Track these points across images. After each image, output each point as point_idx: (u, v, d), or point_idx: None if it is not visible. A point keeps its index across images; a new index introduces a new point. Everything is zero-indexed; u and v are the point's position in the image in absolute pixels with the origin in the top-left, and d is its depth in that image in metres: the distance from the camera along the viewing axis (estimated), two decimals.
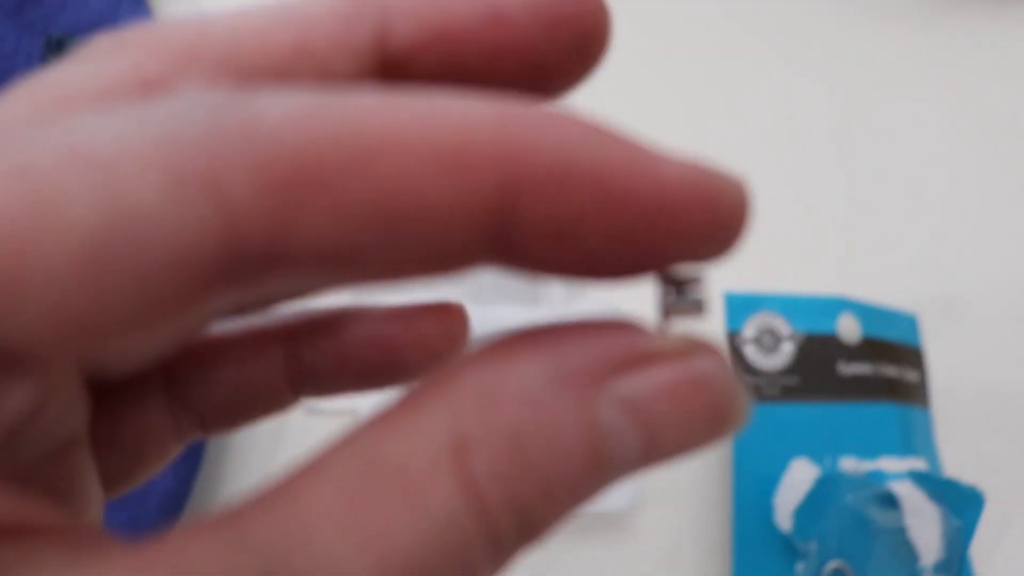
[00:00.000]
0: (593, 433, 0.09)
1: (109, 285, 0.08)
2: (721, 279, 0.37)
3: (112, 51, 0.10)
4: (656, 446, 0.10)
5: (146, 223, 0.08)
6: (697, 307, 0.11)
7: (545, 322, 0.10)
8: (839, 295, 0.35)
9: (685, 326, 0.11)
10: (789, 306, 0.34)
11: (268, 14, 0.11)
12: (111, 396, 0.13)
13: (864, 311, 0.35)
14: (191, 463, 0.31)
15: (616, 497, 0.32)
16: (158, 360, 0.12)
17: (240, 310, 0.13)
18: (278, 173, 0.08)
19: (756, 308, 0.34)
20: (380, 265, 0.09)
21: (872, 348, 0.35)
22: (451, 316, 0.14)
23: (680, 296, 0.11)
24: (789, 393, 0.34)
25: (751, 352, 0.34)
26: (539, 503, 0.09)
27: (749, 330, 0.34)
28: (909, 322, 0.37)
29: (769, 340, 0.34)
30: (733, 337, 0.34)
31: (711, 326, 0.36)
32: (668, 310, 0.11)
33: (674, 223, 0.09)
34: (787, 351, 0.34)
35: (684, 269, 0.10)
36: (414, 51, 0.11)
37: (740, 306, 0.34)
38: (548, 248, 0.09)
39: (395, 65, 0.11)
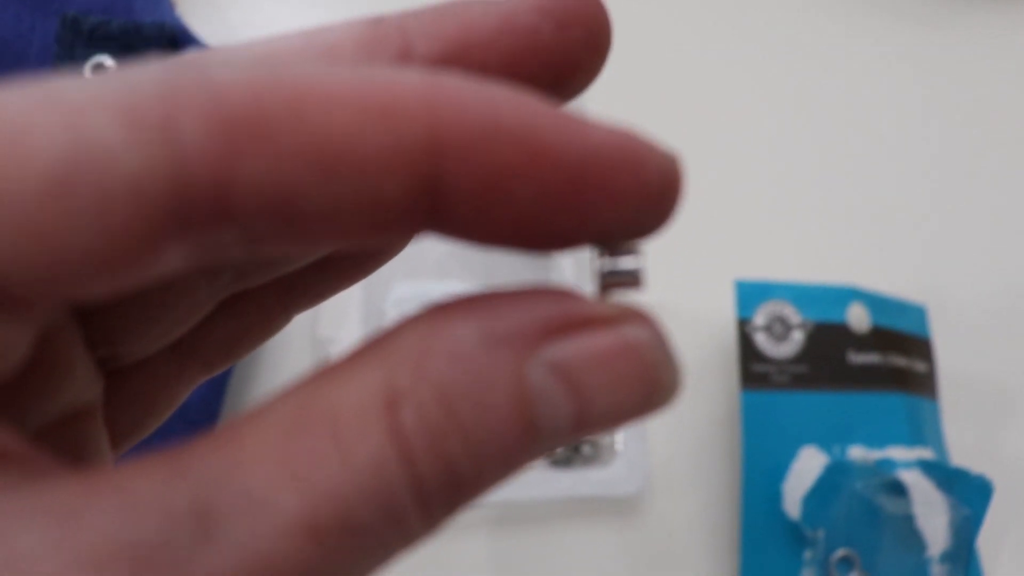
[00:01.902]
0: (523, 394, 0.09)
1: (70, 210, 0.08)
2: (733, 267, 0.37)
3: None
4: (587, 412, 0.10)
5: (104, 157, 0.08)
6: (633, 278, 0.11)
7: (485, 289, 0.10)
8: (849, 285, 0.35)
9: (622, 297, 0.11)
10: (799, 295, 0.35)
11: (294, 43, 0.11)
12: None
13: (874, 301, 0.35)
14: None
15: (626, 482, 0.32)
16: (169, 327, 0.12)
17: (238, 277, 0.13)
18: (222, 120, 0.09)
19: (767, 296, 0.34)
20: (318, 216, 0.09)
21: (881, 338, 0.35)
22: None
23: (616, 268, 0.11)
24: (799, 381, 0.34)
25: (761, 340, 0.34)
26: (466, 459, 0.09)
27: (760, 318, 0.34)
28: (918, 313, 0.37)
29: (779, 328, 0.34)
30: (744, 324, 0.34)
31: (724, 313, 0.36)
32: (605, 281, 0.11)
33: (600, 184, 0.10)
34: (797, 339, 0.34)
35: (617, 244, 0.11)
36: (437, 67, 0.11)
37: (751, 294, 0.34)
38: (478, 210, 0.10)
39: None
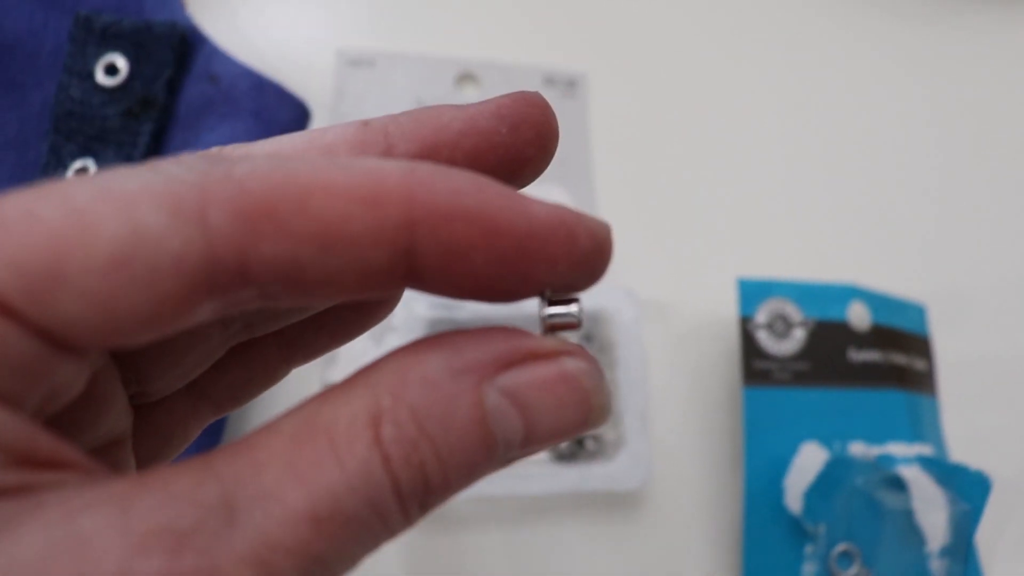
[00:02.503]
0: (480, 412, 0.12)
1: (127, 281, 0.11)
2: (735, 265, 0.38)
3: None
4: (534, 428, 0.12)
5: (154, 241, 0.11)
6: (572, 321, 0.13)
7: (452, 328, 0.13)
8: (850, 283, 0.36)
9: (562, 337, 0.13)
10: (801, 293, 0.35)
11: (298, 143, 0.14)
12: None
13: (874, 299, 0.36)
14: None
15: (630, 477, 0.32)
16: (188, 369, 0.15)
17: (246, 327, 0.16)
18: (243, 210, 0.11)
19: (769, 294, 0.35)
20: (320, 281, 0.12)
21: (881, 336, 0.35)
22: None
23: (557, 313, 0.13)
24: (800, 378, 0.34)
25: (763, 337, 0.34)
26: (435, 465, 0.12)
27: (761, 315, 0.34)
28: (918, 312, 0.37)
29: (781, 326, 0.35)
30: (746, 322, 0.34)
31: (727, 310, 0.37)
32: (547, 323, 0.13)
33: (541, 251, 0.12)
34: (798, 337, 0.35)
35: (561, 292, 0.13)
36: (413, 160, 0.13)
37: (753, 292, 0.35)
38: (445, 271, 0.12)
39: None
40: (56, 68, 0.35)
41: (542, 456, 0.34)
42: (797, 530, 0.33)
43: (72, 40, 0.34)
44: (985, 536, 0.34)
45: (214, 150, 0.14)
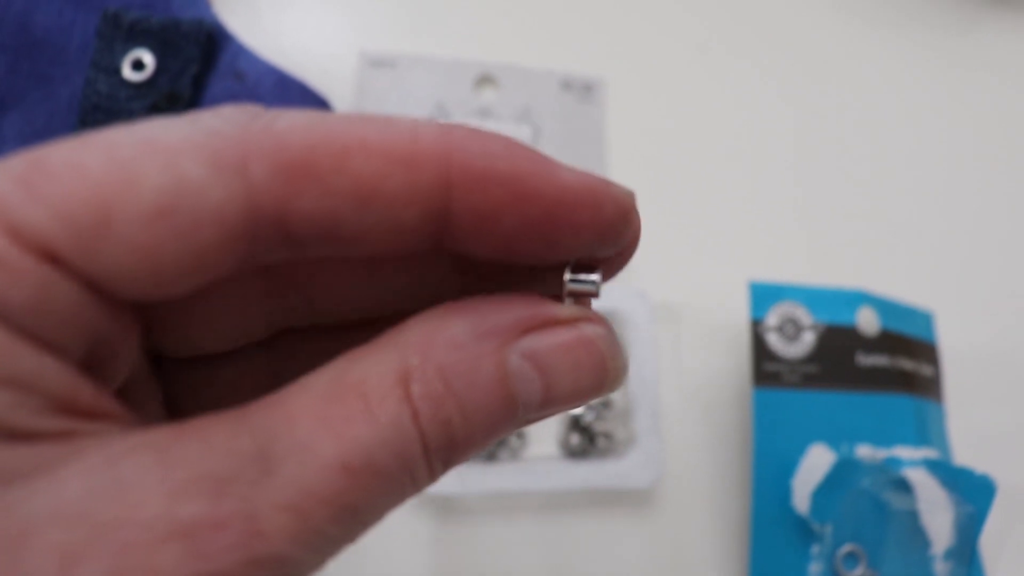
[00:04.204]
0: (503, 373, 0.12)
1: (169, 230, 0.11)
2: (747, 269, 0.39)
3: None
4: (552, 389, 0.13)
5: (196, 191, 0.11)
6: (593, 289, 0.13)
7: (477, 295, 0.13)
8: (860, 289, 0.36)
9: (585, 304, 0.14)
10: (811, 297, 0.36)
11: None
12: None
13: (883, 305, 0.36)
14: None
15: (641, 474, 0.33)
16: (228, 331, 0.15)
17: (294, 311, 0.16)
18: (283, 164, 0.11)
19: (779, 298, 0.35)
20: (355, 237, 0.12)
21: (890, 341, 0.36)
22: None
23: (580, 280, 0.13)
24: (809, 381, 0.35)
25: (773, 340, 0.35)
26: (460, 422, 0.12)
27: (772, 319, 0.35)
28: (925, 319, 0.38)
29: (791, 329, 0.35)
30: (757, 325, 0.35)
31: (738, 313, 0.37)
32: (570, 290, 0.14)
33: (568, 217, 0.12)
34: (808, 340, 0.35)
35: (585, 262, 0.14)
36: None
37: (764, 295, 0.35)
38: (475, 232, 0.12)
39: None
40: (84, 63, 0.36)
41: (554, 453, 0.35)
42: (804, 530, 0.33)
43: (100, 36, 0.35)
44: (989, 539, 0.35)
45: (252, 107, 0.14)
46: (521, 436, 0.35)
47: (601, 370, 0.13)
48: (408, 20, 0.41)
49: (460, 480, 0.32)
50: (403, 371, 0.12)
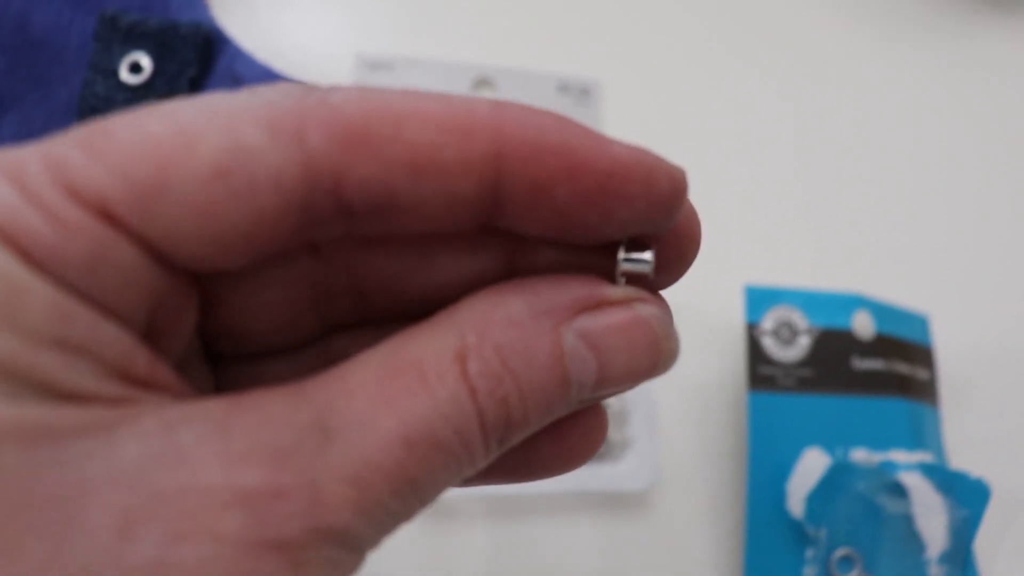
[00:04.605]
0: (558, 353, 0.12)
1: (228, 192, 0.11)
2: (743, 272, 0.39)
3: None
4: (607, 370, 0.13)
5: (254, 155, 0.11)
6: (647, 269, 0.13)
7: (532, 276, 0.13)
8: (855, 292, 0.36)
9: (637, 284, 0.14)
10: (807, 301, 0.36)
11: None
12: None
13: (879, 309, 0.36)
14: None
15: (636, 478, 0.33)
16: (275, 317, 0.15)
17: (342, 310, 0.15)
18: (340, 132, 0.11)
19: (775, 301, 0.35)
20: (409, 209, 0.12)
21: (885, 345, 0.36)
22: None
23: (633, 259, 0.13)
24: (804, 385, 0.35)
25: (769, 344, 0.35)
26: (516, 400, 0.12)
27: (768, 322, 0.35)
28: (921, 322, 0.38)
29: (787, 333, 0.35)
30: (752, 328, 0.35)
31: (734, 316, 0.37)
32: (623, 269, 0.13)
33: (620, 189, 0.12)
34: (803, 344, 0.35)
35: (639, 242, 0.13)
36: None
37: (760, 299, 0.35)
38: (528, 205, 0.12)
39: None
40: (81, 65, 0.36)
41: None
42: (799, 534, 0.33)
43: (97, 38, 0.35)
44: (984, 543, 0.35)
45: (305, 84, 0.14)
46: None
47: (655, 351, 0.13)
48: (405, 23, 0.41)
49: None
50: (460, 349, 0.12)
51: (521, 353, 0.12)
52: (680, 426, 0.36)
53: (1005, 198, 0.42)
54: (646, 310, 0.13)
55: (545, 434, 0.15)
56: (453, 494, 0.32)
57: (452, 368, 0.12)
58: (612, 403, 0.36)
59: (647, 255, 0.13)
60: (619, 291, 0.13)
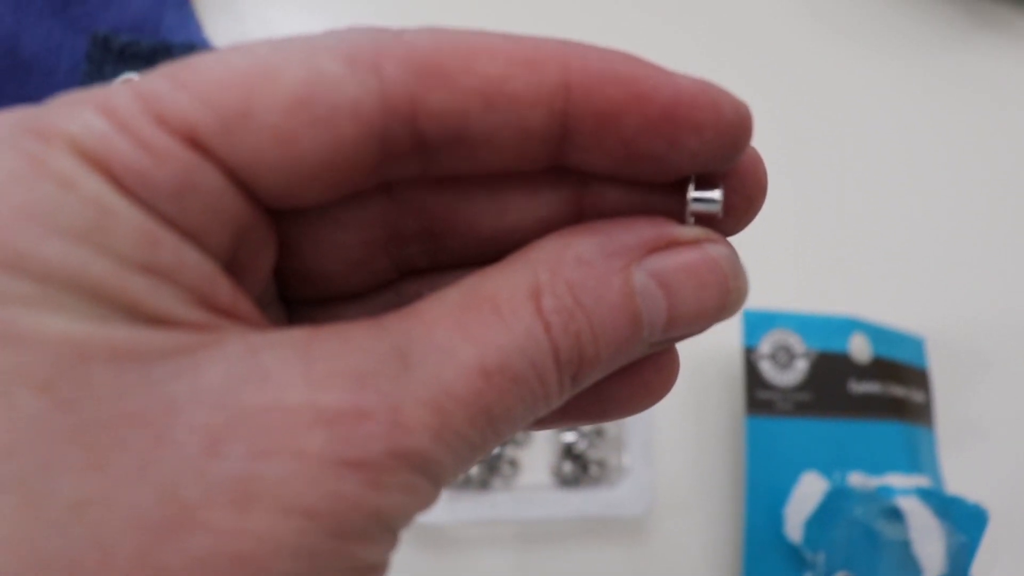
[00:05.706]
0: (629, 291, 0.13)
1: (308, 121, 0.11)
2: None
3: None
4: (676, 309, 0.13)
5: (333, 85, 0.11)
6: (716, 209, 0.13)
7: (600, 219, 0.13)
8: (852, 316, 0.36)
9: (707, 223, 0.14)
10: (804, 324, 0.36)
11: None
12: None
13: (875, 332, 0.36)
14: None
15: (633, 503, 0.33)
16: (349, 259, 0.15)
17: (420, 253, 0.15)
18: (415, 65, 0.12)
19: (772, 325, 0.35)
20: (481, 139, 0.12)
21: (881, 368, 0.36)
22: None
23: (702, 197, 0.13)
24: (802, 409, 0.35)
25: (766, 367, 0.35)
26: (589, 335, 0.12)
27: (765, 346, 0.35)
28: (917, 345, 0.38)
29: (784, 356, 0.35)
30: (749, 352, 0.35)
31: (731, 341, 0.37)
32: (692, 208, 0.13)
33: (687, 117, 0.12)
34: (801, 368, 0.35)
35: (707, 181, 0.13)
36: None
37: (757, 323, 0.35)
38: (596, 135, 0.12)
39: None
40: (72, 86, 0.35)
41: (547, 481, 0.35)
42: (796, 558, 0.33)
43: (89, 59, 0.35)
44: (981, 569, 0.35)
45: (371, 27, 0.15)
46: (514, 464, 0.35)
47: (724, 291, 0.13)
48: None
49: (452, 509, 0.32)
50: (534, 286, 0.12)
51: (592, 290, 0.12)
52: (678, 451, 0.36)
53: (1001, 219, 0.42)
54: (716, 250, 0.13)
55: (618, 373, 0.15)
56: (450, 520, 0.32)
57: (527, 304, 0.12)
58: (609, 428, 0.36)
59: (716, 194, 0.13)
60: (689, 231, 0.13)
